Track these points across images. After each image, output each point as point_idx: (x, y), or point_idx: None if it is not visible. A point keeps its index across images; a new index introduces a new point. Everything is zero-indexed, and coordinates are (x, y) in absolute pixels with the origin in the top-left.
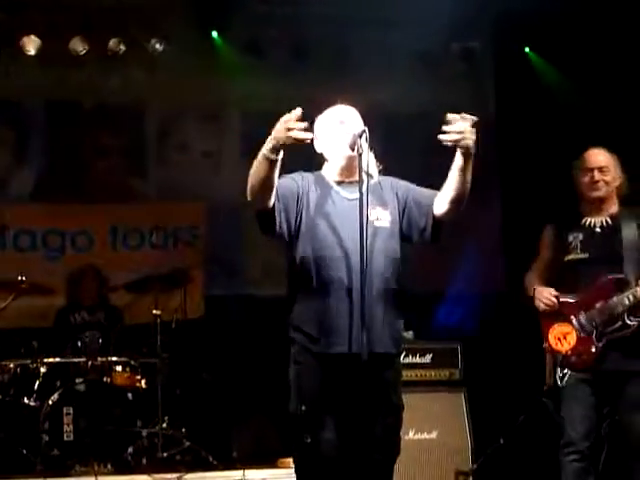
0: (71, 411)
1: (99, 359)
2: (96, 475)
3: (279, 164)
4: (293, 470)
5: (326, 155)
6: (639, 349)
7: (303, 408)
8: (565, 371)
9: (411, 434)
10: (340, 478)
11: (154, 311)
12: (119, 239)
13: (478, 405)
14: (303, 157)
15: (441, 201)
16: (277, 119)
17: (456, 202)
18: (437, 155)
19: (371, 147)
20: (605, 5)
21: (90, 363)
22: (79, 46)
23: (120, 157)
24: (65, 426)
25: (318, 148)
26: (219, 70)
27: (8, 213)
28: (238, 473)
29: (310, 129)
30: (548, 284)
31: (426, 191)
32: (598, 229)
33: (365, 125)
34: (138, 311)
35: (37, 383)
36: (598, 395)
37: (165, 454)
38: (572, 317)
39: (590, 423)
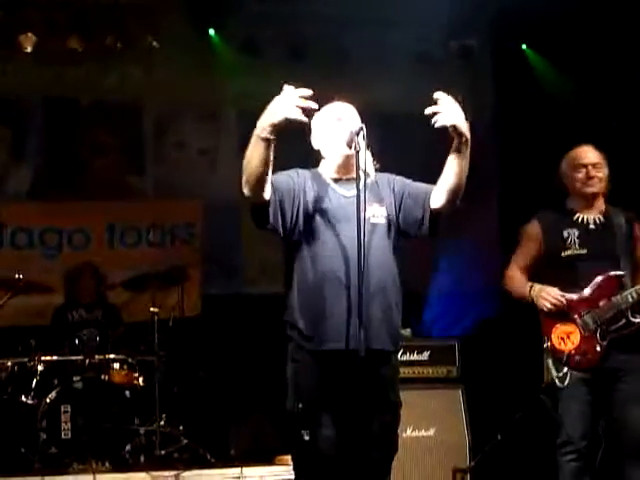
0: (69, 409)
1: (96, 357)
2: (94, 473)
3: (273, 147)
4: (291, 467)
5: (323, 152)
6: (634, 345)
7: (300, 406)
8: (565, 370)
9: (409, 431)
10: (338, 475)
11: (151, 309)
12: (116, 237)
13: (476, 402)
14: (300, 154)
15: (438, 193)
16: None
17: (453, 193)
18: (435, 154)
19: (368, 145)
20: (603, 2)
21: (88, 361)
22: (76, 44)
23: (117, 155)
24: (63, 424)
25: (315, 145)
26: (216, 69)
27: (5, 211)
28: (236, 471)
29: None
30: (533, 279)
31: (422, 185)
32: (592, 225)
33: (363, 123)
34: (135, 309)
35: (35, 381)
36: (595, 393)
37: (163, 452)
38: (576, 316)
39: (588, 422)
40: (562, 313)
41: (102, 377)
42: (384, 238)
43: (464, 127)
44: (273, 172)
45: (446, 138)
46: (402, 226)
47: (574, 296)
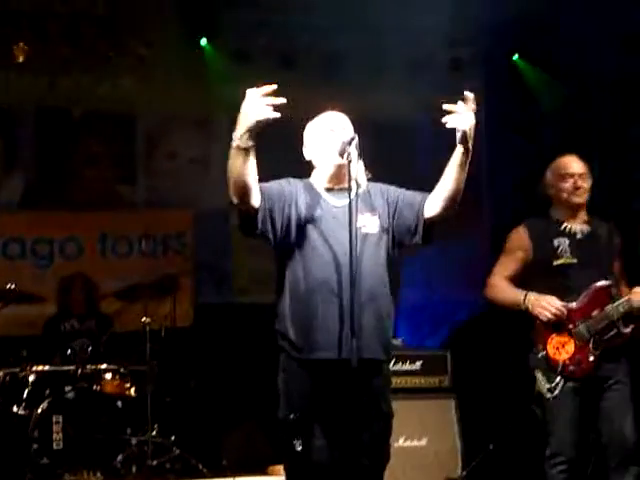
0: (60, 419)
1: (88, 367)
2: None
3: (253, 155)
4: (283, 477)
5: (315, 162)
6: (620, 354)
7: (292, 416)
8: (557, 381)
9: (401, 441)
10: None
11: (143, 319)
12: (108, 247)
13: (468, 412)
14: (292, 164)
15: (434, 201)
16: (266, 126)
17: (449, 201)
18: (426, 162)
19: (360, 154)
20: (594, 13)
21: (79, 371)
22: (68, 54)
23: (109, 165)
24: (54, 434)
25: (307, 155)
26: (208, 78)
27: None
28: None
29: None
30: (519, 287)
31: (416, 193)
32: (579, 235)
33: (355, 132)
34: (127, 319)
35: (26, 391)
36: (584, 402)
37: (155, 462)
38: (571, 326)
39: (577, 432)
40: (557, 323)
41: (94, 387)
42: (376, 248)
43: (471, 135)
44: (265, 181)
45: (439, 146)
46: (396, 236)
47: (572, 305)
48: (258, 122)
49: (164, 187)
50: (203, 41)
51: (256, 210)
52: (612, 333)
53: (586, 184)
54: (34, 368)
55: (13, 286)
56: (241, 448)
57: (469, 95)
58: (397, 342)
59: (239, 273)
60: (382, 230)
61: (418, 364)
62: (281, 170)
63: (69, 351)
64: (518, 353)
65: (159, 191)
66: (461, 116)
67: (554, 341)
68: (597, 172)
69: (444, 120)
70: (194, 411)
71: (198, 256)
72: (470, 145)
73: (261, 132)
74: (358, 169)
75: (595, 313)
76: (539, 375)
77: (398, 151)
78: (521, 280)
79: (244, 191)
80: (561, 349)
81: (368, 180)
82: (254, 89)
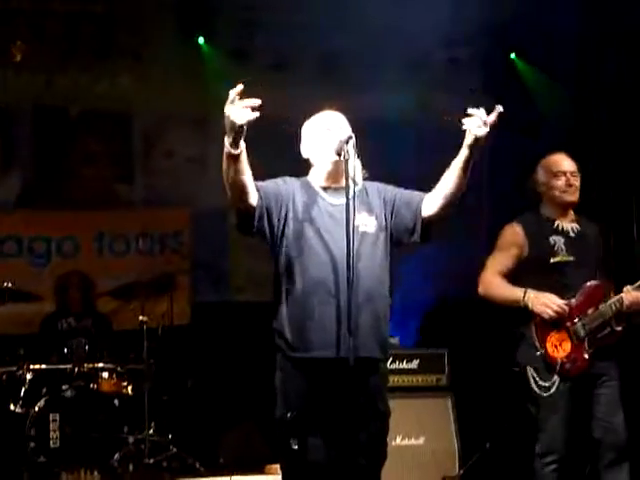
0: (57, 418)
1: (85, 366)
2: None
3: (244, 157)
4: (280, 476)
5: (312, 160)
6: (612, 352)
7: (289, 414)
8: (554, 379)
9: (398, 440)
10: None
11: (140, 317)
12: (105, 245)
13: (465, 410)
14: (289, 162)
15: (432, 201)
16: (263, 124)
17: (449, 202)
18: (423, 162)
19: (357, 153)
20: (592, 12)
21: (76, 370)
22: (65, 53)
23: (106, 163)
24: (51, 433)
25: (305, 153)
26: (205, 76)
27: None
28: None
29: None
30: (512, 283)
31: (413, 193)
32: (572, 234)
33: (352, 131)
34: (124, 317)
35: (23, 390)
36: (576, 400)
37: (152, 460)
38: (568, 323)
39: (569, 430)
40: (555, 320)
41: (91, 386)
42: (373, 247)
43: (481, 144)
44: (262, 180)
45: (436, 146)
46: (394, 235)
47: (572, 303)
48: (240, 126)
49: (161, 186)
50: (200, 40)
51: (253, 209)
52: (605, 332)
53: (577, 182)
54: (31, 366)
55: (10, 284)
56: (238, 447)
57: (499, 108)
58: (394, 341)
59: (236, 272)
60: (379, 229)
61: (415, 363)
62: (278, 169)
63: (66, 350)
64: (515, 352)
65: (156, 190)
66: (481, 123)
67: (553, 339)
68: (595, 172)
69: (463, 120)
70: (191, 409)
71: (195, 255)
72: (476, 153)
73: (256, 133)
74: (355, 168)
75: (590, 311)
76: (531, 372)
77: (395, 150)
78: (514, 276)
79: (241, 192)
80: (559, 347)
81: (365, 179)
82: (231, 92)
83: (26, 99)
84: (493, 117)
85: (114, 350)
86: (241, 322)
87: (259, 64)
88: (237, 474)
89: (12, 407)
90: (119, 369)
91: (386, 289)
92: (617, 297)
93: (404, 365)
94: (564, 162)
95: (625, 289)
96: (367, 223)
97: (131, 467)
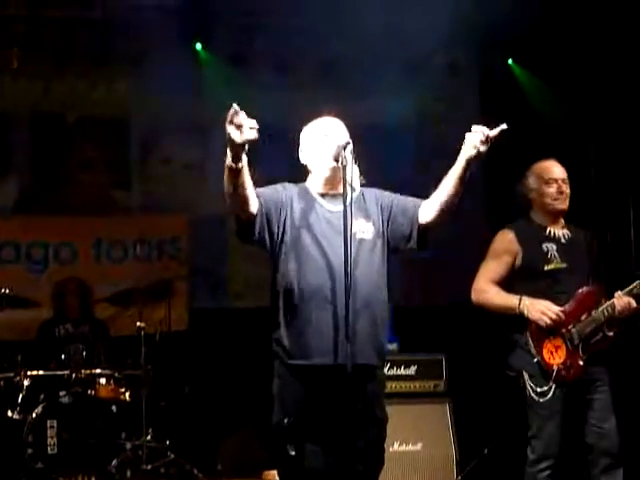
0: (55, 424)
1: (83, 372)
2: None
3: (246, 170)
4: None
5: (310, 167)
6: (604, 357)
7: (286, 421)
8: (549, 385)
9: (396, 446)
10: None
11: (138, 323)
12: (103, 251)
13: (463, 416)
14: (287, 168)
15: (429, 208)
16: (262, 130)
17: (445, 209)
18: (421, 167)
19: (355, 159)
20: (588, 17)
21: (74, 376)
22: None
23: (104, 170)
24: (49, 439)
25: (302, 160)
26: (203, 82)
27: None
28: None
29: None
30: (504, 290)
31: (410, 199)
32: (563, 240)
33: (350, 137)
34: (122, 324)
35: (21, 396)
36: (570, 406)
37: (149, 466)
38: (563, 330)
39: (564, 437)
40: (551, 327)
41: (88, 392)
42: (370, 253)
43: (480, 159)
44: (260, 186)
45: (432, 153)
46: (390, 241)
47: (567, 310)
48: (240, 144)
49: (159, 192)
50: (198, 46)
51: (254, 217)
52: (598, 337)
53: (568, 190)
54: (28, 373)
55: (7, 291)
56: (236, 453)
57: (503, 126)
58: (392, 347)
59: (234, 278)
60: (377, 235)
61: (413, 369)
62: (276, 174)
63: (64, 356)
64: (511, 357)
65: (154, 196)
66: (484, 138)
67: (549, 345)
68: (594, 176)
69: (466, 135)
70: (189, 416)
71: (193, 261)
72: (474, 165)
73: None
74: (353, 174)
75: (584, 317)
76: (527, 377)
77: (394, 156)
78: (507, 284)
79: (242, 203)
80: (555, 354)
81: (362, 185)
82: (232, 110)
83: (23, 105)
84: (496, 133)
85: (112, 356)
86: (239, 328)
87: (258, 69)
88: None
89: (9, 413)
90: (117, 375)
91: (384, 295)
92: (609, 303)
93: (402, 371)
94: (555, 169)
95: (616, 294)
96: (364, 230)
97: (129, 473)
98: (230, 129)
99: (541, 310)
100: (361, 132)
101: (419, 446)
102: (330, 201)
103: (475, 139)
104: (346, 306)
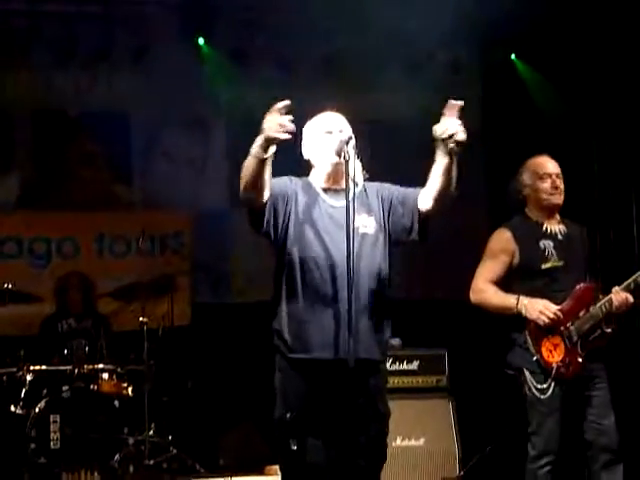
0: (58, 419)
1: (85, 367)
2: None
3: (270, 161)
4: (280, 477)
5: (313, 161)
6: (601, 355)
7: (288, 415)
8: (549, 383)
9: (398, 441)
10: None
11: (141, 318)
12: (105, 246)
13: (465, 412)
14: (291, 161)
15: (426, 197)
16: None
17: (442, 195)
18: (424, 162)
19: (358, 154)
20: (591, 13)
21: (77, 371)
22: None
23: (106, 165)
24: (52, 434)
25: (305, 154)
26: (205, 77)
27: None
28: None
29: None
30: (502, 289)
31: (409, 190)
32: (560, 237)
33: (352, 133)
34: (125, 318)
35: (24, 391)
36: (568, 402)
37: (152, 462)
38: (562, 328)
39: (564, 433)
40: (550, 325)
41: (91, 387)
42: (373, 248)
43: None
44: None
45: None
46: (392, 234)
47: (564, 308)
48: (275, 139)
49: (161, 187)
50: (200, 41)
51: (264, 206)
52: (596, 334)
53: (562, 185)
54: (31, 368)
55: (10, 286)
56: (238, 448)
57: (458, 103)
58: (395, 342)
59: (237, 273)
60: (379, 230)
61: (415, 364)
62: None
63: (66, 351)
64: (510, 355)
65: (156, 191)
66: (461, 129)
67: (547, 344)
68: (597, 173)
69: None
70: (191, 411)
71: (196, 256)
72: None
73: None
74: (355, 169)
75: (582, 314)
76: (527, 375)
77: (397, 152)
78: (504, 283)
79: (256, 189)
80: (553, 352)
81: (365, 180)
82: (282, 104)
83: (25, 101)
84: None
85: (114, 351)
86: (241, 323)
87: (260, 65)
88: (237, 475)
89: (12, 408)
90: (119, 370)
91: (386, 290)
92: (606, 298)
93: (404, 366)
94: (548, 164)
95: (614, 290)
96: (367, 224)
97: (131, 468)
98: (270, 122)
99: (539, 309)
100: (363, 128)
101: (421, 441)
102: (333, 196)
103: (452, 127)
104: (348, 301)
